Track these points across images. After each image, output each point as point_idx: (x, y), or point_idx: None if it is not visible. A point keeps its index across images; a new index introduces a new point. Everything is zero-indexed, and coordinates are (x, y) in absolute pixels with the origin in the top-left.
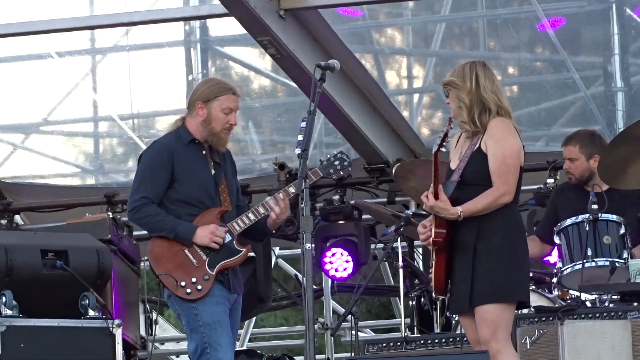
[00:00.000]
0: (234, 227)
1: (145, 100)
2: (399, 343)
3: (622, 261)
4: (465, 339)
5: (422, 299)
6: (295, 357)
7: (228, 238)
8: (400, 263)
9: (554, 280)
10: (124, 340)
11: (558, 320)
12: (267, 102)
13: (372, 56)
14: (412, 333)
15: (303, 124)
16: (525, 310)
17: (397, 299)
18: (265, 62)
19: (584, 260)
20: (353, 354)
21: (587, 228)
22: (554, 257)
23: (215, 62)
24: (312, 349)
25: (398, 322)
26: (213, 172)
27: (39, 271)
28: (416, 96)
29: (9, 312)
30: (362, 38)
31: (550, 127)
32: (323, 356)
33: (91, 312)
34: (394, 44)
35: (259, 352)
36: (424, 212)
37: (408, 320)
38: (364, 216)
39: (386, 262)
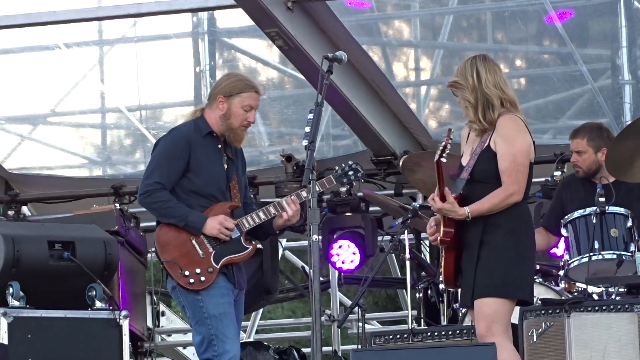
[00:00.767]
0: (244, 223)
1: (152, 91)
2: (405, 335)
3: (629, 254)
4: (472, 331)
5: (429, 291)
6: (302, 349)
7: (236, 234)
8: (407, 255)
9: (561, 272)
10: (130, 332)
11: (565, 313)
12: (274, 94)
13: (379, 48)
14: (419, 325)
15: (310, 116)
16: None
17: (404, 291)
18: (272, 53)
19: (591, 253)
20: (360, 346)
21: (595, 221)
22: (560, 250)
23: (223, 53)
24: (319, 340)
25: (405, 314)
26: (226, 167)
27: (46, 262)
28: (423, 88)
29: (16, 303)
30: (369, 30)
31: (557, 119)
32: (330, 348)
33: (98, 304)
34: (401, 36)
35: (266, 343)
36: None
37: (415, 312)
38: (371, 208)
39: (393, 254)
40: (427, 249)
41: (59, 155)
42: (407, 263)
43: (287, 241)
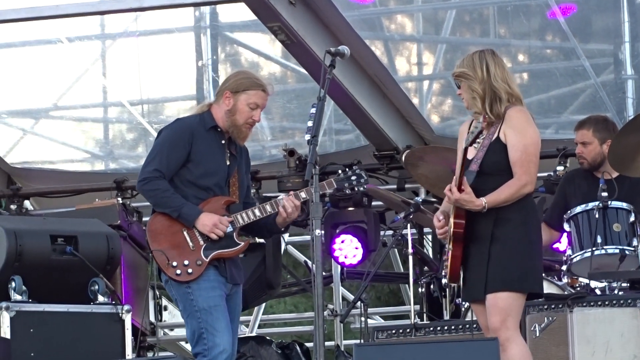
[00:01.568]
0: (238, 219)
1: (154, 86)
2: (408, 330)
3: (632, 249)
4: (475, 325)
5: (432, 286)
6: (304, 344)
7: (230, 229)
8: (410, 250)
9: (564, 267)
10: (133, 326)
11: (567, 308)
12: (276, 88)
13: (382, 43)
14: (422, 320)
15: (313, 111)
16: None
17: (407, 285)
18: (275, 48)
19: (594, 248)
20: (362, 341)
21: (597, 215)
22: (563, 245)
23: (225, 48)
24: (322, 335)
25: (407, 309)
26: (228, 162)
27: (49, 256)
28: (426, 83)
29: (19, 297)
30: (372, 25)
31: (560, 114)
32: (332, 343)
33: (100, 298)
34: (404, 30)
35: (268, 338)
36: (434, 199)
37: (417, 307)
38: (373, 203)
39: (395, 249)
40: (430, 243)
41: (61, 150)
42: (410, 258)
43: (289, 236)
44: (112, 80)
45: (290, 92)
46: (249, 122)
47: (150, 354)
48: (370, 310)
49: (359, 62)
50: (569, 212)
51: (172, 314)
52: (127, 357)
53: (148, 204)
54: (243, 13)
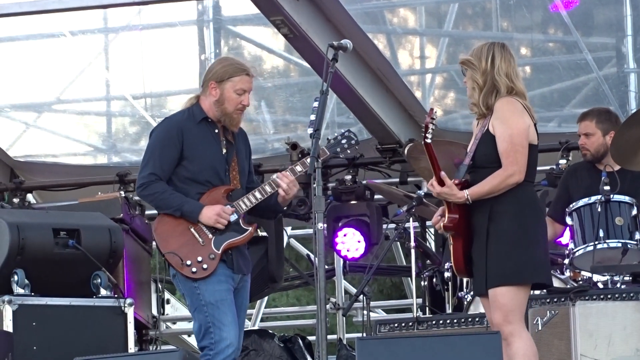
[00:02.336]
0: (240, 205)
1: (157, 79)
2: (410, 323)
3: (634, 242)
4: (477, 319)
5: (434, 279)
6: (307, 337)
7: (234, 217)
8: (412, 243)
9: (566, 261)
10: (135, 320)
11: (570, 302)
12: (279, 81)
13: (384, 36)
14: (424, 313)
15: (315, 104)
16: (536, 291)
17: (409, 279)
18: (278, 41)
19: (596, 242)
20: (365, 334)
21: (600, 209)
22: (566, 238)
23: (228, 41)
24: (324, 329)
25: (410, 303)
26: (224, 151)
27: (51, 250)
28: (429, 76)
29: (21, 290)
30: (374, 18)
31: (562, 108)
32: (335, 336)
33: (103, 291)
34: (406, 24)
35: (270, 331)
36: None
37: (420, 300)
38: (376, 196)
39: (398, 243)
40: (433, 237)
41: (64, 143)
42: (412, 251)
43: (292, 229)
44: (115, 74)
45: (293, 86)
46: (239, 108)
47: (152, 348)
48: (372, 303)
49: (361, 56)
50: (571, 205)
51: (175, 308)
52: (129, 351)
53: None
54: (246, 6)
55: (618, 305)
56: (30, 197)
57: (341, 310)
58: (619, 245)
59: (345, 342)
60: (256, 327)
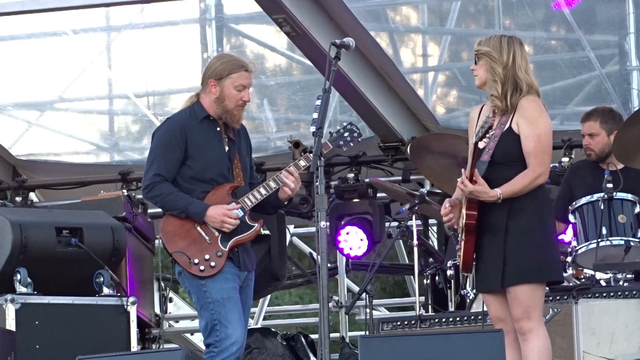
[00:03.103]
0: (246, 202)
1: (160, 78)
2: (413, 321)
3: (637, 240)
4: (480, 317)
5: (437, 278)
6: (309, 335)
7: (240, 213)
8: (415, 241)
9: (569, 259)
10: (138, 318)
11: (572, 299)
12: (282, 80)
13: (387, 34)
14: (427, 311)
15: (318, 102)
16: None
17: (412, 277)
18: (280, 40)
19: (599, 239)
20: (367, 332)
21: (602, 207)
22: (568, 236)
23: (230, 39)
24: (327, 327)
25: (412, 301)
26: (227, 148)
27: (54, 249)
28: (431, 74)
29: (24, 289)
30: (377, 16)
31: (565, 105)
32: (337, 334)
33: (106, 290)
34: (409, 22)
35: (273, 330)
36: (439, 191)
37: (422, 298)
38: (378, 194)
39: (401, 241)
40: (435, 235)
41: (66, 142)
42: (415, 249)
43: (295, 227)
44: (117, 73)
45: (296, 84)
46: (240, 105)
47: (155, 346)
48: (375, 301)
49: (364, 54)
50: (574, 203)
51: (177, 306)
52: (132, 349)
53: None
54: (248, 5)
55: (621, 303)
56: (32, 195)
57: (344, 308)
58: (622, 242)
59: (348, 341)
60: (259, 326)
